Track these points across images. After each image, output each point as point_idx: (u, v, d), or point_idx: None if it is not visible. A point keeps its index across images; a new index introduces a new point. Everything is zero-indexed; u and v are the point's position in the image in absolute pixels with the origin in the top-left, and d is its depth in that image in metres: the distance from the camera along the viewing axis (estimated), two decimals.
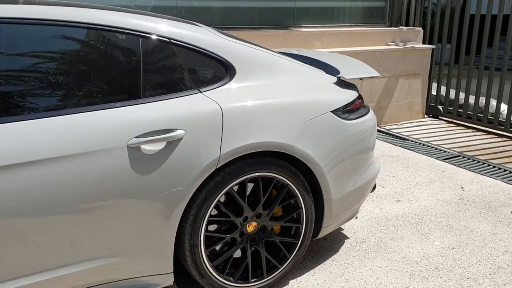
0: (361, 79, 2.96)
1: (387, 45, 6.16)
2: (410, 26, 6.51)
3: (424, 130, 5.95)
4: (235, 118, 2.35)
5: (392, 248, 3.10)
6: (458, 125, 6.27)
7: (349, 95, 2.82)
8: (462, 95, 6.44)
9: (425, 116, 6.59)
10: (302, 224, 2.64)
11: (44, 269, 2.08)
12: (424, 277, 2.79)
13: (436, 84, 6.69)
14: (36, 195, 1.97)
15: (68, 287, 2.16)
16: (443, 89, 6.68)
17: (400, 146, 5.24)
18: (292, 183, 2.54)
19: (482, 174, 4.43)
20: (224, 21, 5.27)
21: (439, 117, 6.60)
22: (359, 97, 2.93)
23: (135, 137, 2.14)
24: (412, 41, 6.36)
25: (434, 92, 6.70)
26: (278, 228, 2.67)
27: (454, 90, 6.39)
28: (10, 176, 1.91)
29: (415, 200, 3.84)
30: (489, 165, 4.71)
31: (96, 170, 2.07)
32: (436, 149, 5.20)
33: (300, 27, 5.70)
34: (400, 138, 5.57)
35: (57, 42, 2.15)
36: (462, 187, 4.12)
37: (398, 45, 6.16)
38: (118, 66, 2.25)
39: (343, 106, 2.74)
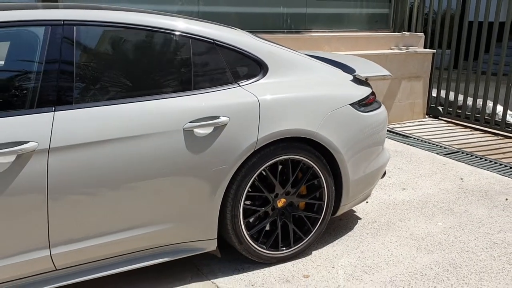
0: (366, 79, 3.37)
1: (391, 49, 6.58)
2: (412, 32, 6.94)
3: (425, 129, 6.36)
4: (270, 108, 2.76)
5: (400, 227, 3.51)
6: (457, 124, 6.69)
7: (364, 91, 3.24)
8: (460, 97, 6.85)
9: (426, 116, 7.00)
10: (324, 202, 3.05)
11: (118, 230, 2.47)
12: (429, 250, 3.19)
13: (436, 87, 7.10)
14: (113, 168, 2.37)
15: (134, 247, 2.56)
16: (442, 92, 7.09)
17: (403, 143, 5.65)
18: (316, 166, 2.95)
19: (480, 168, 4.84)
20: (240, 26, 5.66)
21: (439, 117, 7.01)
22: (372, 93, 3.34)
23: (189, 122, 2.55)
24: (414, 46, 6.79)
25: (434, 94, 7.11)
26: (303, 205, 3.07)
27: (453, 93, 6.81)
28: (106, 148, 2.33)
29: (419, 189, 4.25)
30: (486, 160, 5.13)
31: (159, 148, 2.48)
32: (436, 145, 5.61)
33: (311, 31, 6.12)
34: (403, 135, 5.98)
35: (131, 43, 2.58)
36: (462, 178, 4.53)
37: (401, 50, 6.59)
38: (174, 63, 2.67)
39: (359, 100, 3.15)
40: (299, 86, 2.96)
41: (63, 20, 2.41)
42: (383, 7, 6.79)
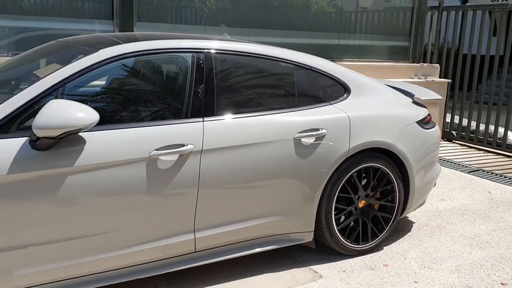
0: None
1: (411, 78, 7.25)
2: (428, 63, 7.64)
3: (443, 151, 7.00)
4: (357, 123, 3.33)
5: (450, 229, 4.07)
6: (470, 147, 7.34)
7: (424, 111, 3.84)
8: (473, 122, 7.52)
9: (441, 140, 7.65)
10: (395, 204, 3.60)
11: (242, 220, 3.00)
12: (480, 247, 3.75)
13: (450, 113, 7.78)
14: (244, 168, 2.92)
15: (251, 235, 3.08)
16: (455, 117, 7.77)
17: None
18: (391, 173, 3.51)
19: (502, 184, 5.46)
20: None
21: (453, 140, 7.67)
22: (428, 114, 3.94)
23: (298, 132, 3.11)
24: (431, 75, 7.48)
25: (447, 119, 7.79)
26: (377, 206, 3.62)
27: (467, 119, 7.49)
28: (239, 152, 2.88)
29: (455, 199, 4.83)
30: (505, 177, 5.75)
31: (276, 153, 3.03)
32: (458, 164, 6.23)
33: (342, 60, 6.77)
34: None
35: (254, 68, 3.16)
36: (489, 192, 5.13)
37: (420, 78, 7.26)
38: (284, 85, 3.25)
39: (422, 119, 3.74)
40: (377, 105, 3.55)
41: (205, 49, 2.98)
42: (404, 40, 7.50)
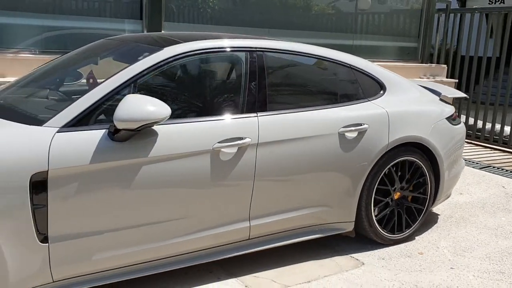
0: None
1: (420, 78, 7.48)
2: (436, 63, 7.88)
3: None
4: (395, 118, 3.53)
5: (473, 221, 4.29)
6: (477, 145, 7.59)
7: (451, 108, 4.05)
8: (479, 122, 7.77)
9: None
10: (427, 196, 3.80)
11: (291, 209, 3.18)
12: (505, 237, 3.97)
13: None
14: (293, 160, 3.09)
15: (297, 225, 3.26)
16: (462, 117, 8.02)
17: None
18: (424, 166, 3.71)
19: None
20: None
21: None
22: (455, 111, 4.15)
23: (342, 127, 3.29)
24: (439, 75, 7.71)
25: None
26: (410, 198, 3.81)
27: (472, 118, 7.75)
28: (289, 145, 3.05)
29: (473, 194, 5.05)
30: None
31: (322, 146, 3.21)
32: (469, 161, 6.46)
33: None
34: None
35: (300, 66, 3.34)
36: (503, 186, 5.36)
37: (429, 78, 7.49)
38: (328, 82, 3.43)
39: (450, 115, 3.95)
40: (411, 102, 3.75)
41: (257, 48, 3.16)
42: (413, 41, 7.73)
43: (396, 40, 7.54)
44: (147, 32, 5.36)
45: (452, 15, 7.96)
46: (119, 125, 2.46)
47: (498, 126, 7.45)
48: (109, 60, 3.31)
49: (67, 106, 2.55)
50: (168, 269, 2.85)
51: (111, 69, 3.41)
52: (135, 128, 2.50)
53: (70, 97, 2.90)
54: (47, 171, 2.36)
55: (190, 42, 2.97)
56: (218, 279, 3.07)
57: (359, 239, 3.68)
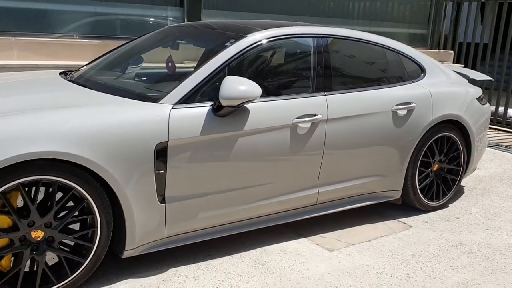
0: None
1: None
2: (444, 50, 8.35)
3: None
4: (437, 98, 3.96)
5: (495, 191, 4.77)
6: None
7: (479, 90, 4.50)
8: None
9: None
10: (460, 168, 4.26)
11: (350, 179, 3.61)
12: None
13: None
14: (354, 134, 3.51)
15: (353, 193, 3.69)
16: None
17: None
18: (459, 141, 4.17)
19: None
20: None
21: None
22: (482, 92, 4.60)
23: (394, 105, 3.72)
24: (447, 61, 8.19)
25: None
26: (446, 169, 4.26)
27: None
28: (352, 121, 3.46)
29: (489, 169, 5.55)
30: None
31: (377, 123, 3.63)
32: None
33: None
34: None
35: (357, 51, 3.74)
36: None
37: None
38: (379, 65, 3.85)
39: (479, 96, 4.40)
40: (448, 83, 4.19)
41: (322, 34, 3.55)
42: (423, 28, 8.18)
43: (407, 27, 7.98)
44: (187, 19, 5.70)
45: (467, 3, 8.41)
46: (224, 102, 2.84)
47: (501, 109, 7.96)
48: (188, 46, 3.67)
49: (174, 87, 2.92)
50: (251, 229, 3.26)
51: (190, 54, 3.79)
52: (236, 105, 2.88)
53: (156, 79, 3.29)
54: (167, 141, 2.74)
55: (269, 29, 3.35)
56: (290, 238, 3.49)
57: (400, 207, 4.13)
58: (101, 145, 2.52)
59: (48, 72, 3.86)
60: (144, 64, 3.77)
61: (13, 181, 2.32)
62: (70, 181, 2.46)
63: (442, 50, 8.18)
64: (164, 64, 3.73)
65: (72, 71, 3.77)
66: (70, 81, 3.36)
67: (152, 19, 5.59)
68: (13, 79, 3.47)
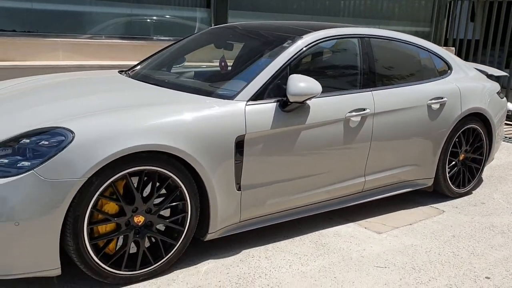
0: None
1: None
2: (445, 46, 8.74)
3: None
4: (465, 92, 4.31)
5: (511, 179, 5.15)
6: None
7: (497, 85, 4.87)
8: None
9: None
10: (483, 157, 4.62)
11: (389, 169, 3.93)
12: None
13: None
14: (395, 127, 3.84)
15: (392, 181, 4.01)
16: None
17: None
18: (482, 132, 4.52)
19: None
20: None
21: None
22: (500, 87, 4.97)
23: (429, 100, 4.05)
24: None
25: None
26: (470, 159, 4.61)
27: None
28: (393, 115, 3.78)
29: (500, 159, 5.93)
30: None
31: (415, 116, 3.96)
32: None
33: None
34: None
35: (395, 50, 4.06)
36: None
37: None
38: (413, 62, 4.19)
39: (498, 90, 4.77)
40: (472, 79, 4.54)
41: (365, 35, 3.86)
42: (426, 26, 8.56)
43: (411, 25, 8.35)
44: (214, 19, 5.96)
45: (459, 2, 8.81)
46: (292, 99, 3.13)
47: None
48: (240, 46, 3.95)
49: (244, 85, 3.20)
50: (306, 215, 3.56)
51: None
52: (302, 101, 3.18)
53: (217, 77, 3.59)
54: (245, 135, 3.02)
55: (321, 30, 3.65)
56: (340, 223, 3.80)
57: (429, 194, 4.47)
58: (193, 139, 2.80)
59: (106, 71, 4.10)
60: (196, 63, 4.05)
61: (123, 170, 2.58)
62: (168, 170, 2.73)
63: (444, 47, 8.57)
64: (215, 63, 4.00)
65: (124, 70, 4.01)
66: (138, 80, 3.61)
67: (181, 20, 5.84)
68: (80, 78, 3.71)
